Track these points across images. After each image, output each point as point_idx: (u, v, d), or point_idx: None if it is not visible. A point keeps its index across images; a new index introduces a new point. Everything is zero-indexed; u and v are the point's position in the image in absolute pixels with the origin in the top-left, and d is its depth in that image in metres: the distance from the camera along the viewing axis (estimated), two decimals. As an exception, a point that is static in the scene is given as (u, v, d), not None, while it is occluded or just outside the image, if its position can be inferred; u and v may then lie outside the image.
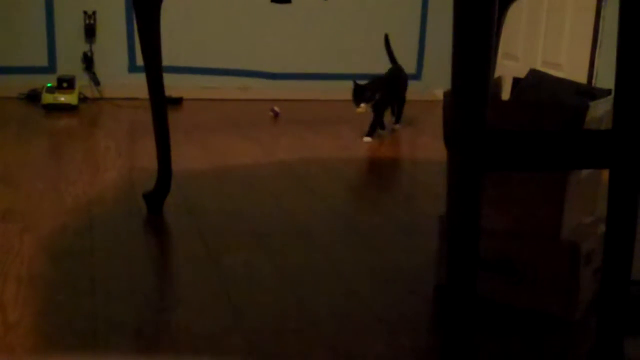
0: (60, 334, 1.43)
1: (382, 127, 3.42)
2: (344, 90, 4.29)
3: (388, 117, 3.48)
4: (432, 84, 4.42)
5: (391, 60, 3.57)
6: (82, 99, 3.82)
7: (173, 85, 3.65)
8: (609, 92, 1.61)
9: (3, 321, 1.46)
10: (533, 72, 1.72)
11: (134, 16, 2.09)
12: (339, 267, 1.83)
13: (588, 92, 1.64)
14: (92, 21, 3.89)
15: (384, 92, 3.31)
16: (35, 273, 1.70)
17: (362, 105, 3.22)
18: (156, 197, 2.18)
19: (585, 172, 1.63)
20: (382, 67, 4.37)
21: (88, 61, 3.92)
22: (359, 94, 3.25)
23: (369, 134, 3.27)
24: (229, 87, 4.09)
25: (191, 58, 4.07)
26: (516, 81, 1.74)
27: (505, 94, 1.77)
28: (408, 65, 4.44)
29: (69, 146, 2.96)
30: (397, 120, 3.58)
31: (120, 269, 1.76)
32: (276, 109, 3.75)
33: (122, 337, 1.43)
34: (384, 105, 3.36)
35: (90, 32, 3.90)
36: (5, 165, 2.60)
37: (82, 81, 3.87)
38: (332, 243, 2.00)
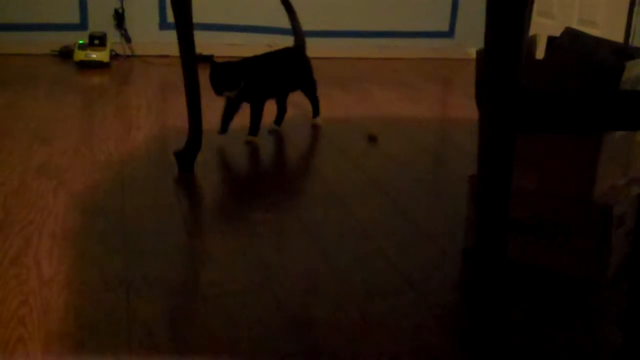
0: (93, 289, 1.46)
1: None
2: (374, 47, 4.27)
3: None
4: (465, 42, 4.36)
5: (294, 31, 2.74)
6: (114, 56, 3.83)
7: (204, 42, 3.64)
8: (646, 51, 1.58)
9: (38, 276, 1.49)
10: (568, 31, 1.68)
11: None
12: (367, 227, 1.84)
13: (625, 52, 1.60)
14: (123, -22, 3.89)
15: (260, 77, 2.50)
16: (69, 229, 1.73)
17: (227, 94, 2.39)
18: (187, 154, 2.19)
19: (619, 133, 1.60)
20: (414, 23, 4.33)
21: (119, 18, 3.92)
22: (219, 78, 2.39)
23: (251, 132, 2.49)
24: (257, 44, 4.07)
25: (221, 15, 4.05)
26: (551, 40, 1.71)
27: (540, 53, 1.74)
28: (441, 22, 4.39)
29: (101, 103, 2.98)
30: (316, 113, 2.74)
31: (152, 226, 1.78)
32: None
33: (153, 293, 1.45)
34: (262, 93, 2.53)
35: (121, -11, 3.90)
36: (39, 121, 2.63)
37: (114, 38, 3.88)
38: (360, 203, 2.00)
